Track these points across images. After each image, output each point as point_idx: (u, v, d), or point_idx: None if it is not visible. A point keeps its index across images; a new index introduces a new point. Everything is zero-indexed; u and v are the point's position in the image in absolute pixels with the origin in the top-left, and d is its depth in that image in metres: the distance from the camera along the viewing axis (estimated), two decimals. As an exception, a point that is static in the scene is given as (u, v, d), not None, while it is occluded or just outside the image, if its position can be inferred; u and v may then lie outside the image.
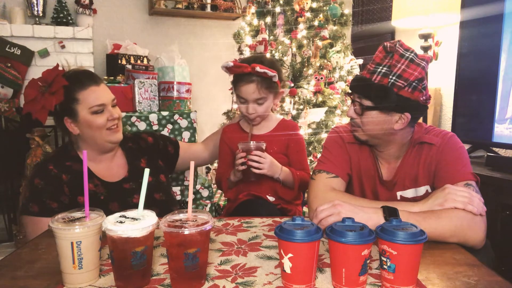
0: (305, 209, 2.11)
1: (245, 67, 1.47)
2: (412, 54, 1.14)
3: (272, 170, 1.46)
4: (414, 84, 1.12)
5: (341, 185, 1.26)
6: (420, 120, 1.30)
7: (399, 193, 1.26)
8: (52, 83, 1.32)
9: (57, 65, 1.39)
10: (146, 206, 0.84)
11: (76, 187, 1.33)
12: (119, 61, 3.10)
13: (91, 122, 1.34)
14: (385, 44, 1.17)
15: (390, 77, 1.12)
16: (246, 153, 1.45)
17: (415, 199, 1.22)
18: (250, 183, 1.53)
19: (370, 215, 1.02)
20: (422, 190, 1.23)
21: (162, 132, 2.52)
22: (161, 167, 1.59)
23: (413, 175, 1.24)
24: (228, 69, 1.52)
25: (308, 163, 1.66)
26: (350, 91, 1.25)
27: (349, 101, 2.77)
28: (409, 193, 1.25)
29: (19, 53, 2.95)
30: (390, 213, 1.02)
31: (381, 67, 1.15)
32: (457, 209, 1.03)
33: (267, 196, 1.53)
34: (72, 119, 1.35)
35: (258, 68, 1.44)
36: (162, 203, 1.47)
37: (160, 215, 0.84)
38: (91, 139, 1.38)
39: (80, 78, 1.35)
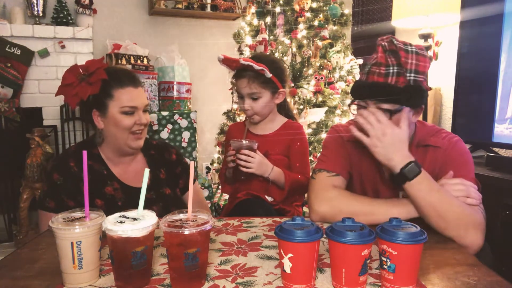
0: (305, 209, 2.11)
1: (233, 61, 1.51)
2: (413, 47, 1.14)
3: (261, 170, 1.47)
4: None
5: (342, 183, 1.25)
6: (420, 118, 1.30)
7: (401, 192, 1.26)
8: (93, 74, 1.32)
9: (102, 58, 1.41)
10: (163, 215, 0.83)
11: (94, 189, 1.29)
12: (119, 61, 3.10)
13: (118, 121, 1.32)
14: (382, 43, 1.14)
15: (408, 75, 1.10)
16: (236, 151, 1.48)
17: None
18: (250, 182, 1.54)
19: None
20: None
21: (162, 132, 2.52)
22: (177, 183, 1.53)
23: None
24: (223, 63, 1.55)
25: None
26: (356, 97, 1.19)
27: (348, 100, 2.77)
28: None
29: (19, 53, 2.96)
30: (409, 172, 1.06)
31: (391, 68, 1.12)
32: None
33: (266, 196, 1.53)
34: (100, 113, 1.35)
35: (242, 61, 1.47)
36: None
37: None
38: (113, 137, 1.36)
39: (120, 76, 1.35)
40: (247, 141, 1.49)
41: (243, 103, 1.55)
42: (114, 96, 1.32)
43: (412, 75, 1.11)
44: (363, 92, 1.17)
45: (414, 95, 1.12)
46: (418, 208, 1.07)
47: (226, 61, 1.54)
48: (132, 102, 1.32)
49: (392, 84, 1.11)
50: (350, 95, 1.24)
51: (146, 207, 1.35)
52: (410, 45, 1.14)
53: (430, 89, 1.19)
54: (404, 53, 1.11)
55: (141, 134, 1.38)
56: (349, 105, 1.26)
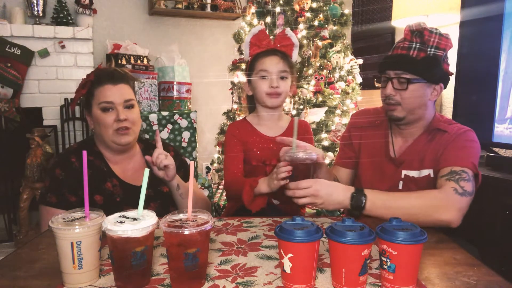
0: (307, 209, 2.11)
1: (265, 37, 1.52)
2: (438, 30, 1.25)
3: None
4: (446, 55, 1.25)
5: (347, 175, 1.44)
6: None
7: (404, 172, 1.31)
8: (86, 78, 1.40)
9: (101, 63, 1.45)
10: (162, 215, 0.83)
11: (94, 184, 1.33)
12: (119, 61, 3.10)
13: (99, 119, 1.35)
14: (409, 24, 1.27)
15: (429, 50, 1.23)
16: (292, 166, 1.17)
17: (415, 179, 1.28)
18: None
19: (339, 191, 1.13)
20: (425, 172, 1.28)
21: (162, 132, 2.52)
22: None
23: (420, 157, 1.29)
24: (251, 45, 1.52)
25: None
26: (381, 70, 1.31)
27: (347, 99, 2.78)
28: (413, 173, 1.30)
29: (19, 53, 2.95)
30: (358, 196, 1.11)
31: (414, 43, 1.25)
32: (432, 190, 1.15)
33: (272, 199, 1.51)
34: (88, 112, 1.41)
35: (288, 31, 1.52)
36: None
37: None
38: (100, 135, 1.39)
39: (101, 75, 1.38)
40: (309, 154, 1.18)
41: (269, 81, 1.47)
42: (94, 94, 1.37)
43: (433, 50, 1.23)
44: (389, 60, 1.29)
45: (431, 66, 1.22)
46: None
47: (257, 39, 1.51)
48: (108, 97, 1.34)
49: (413, 56, 1.23)
50: (378, 70, 1.35)
51: (144, 204, 1.36)
52: (436, 29, 1.26)
53: (452, 74, 1.30)
54: (428, 32, 1.24)
55: (126, 131, 1.37)
56: (375, 81, 1.39)
